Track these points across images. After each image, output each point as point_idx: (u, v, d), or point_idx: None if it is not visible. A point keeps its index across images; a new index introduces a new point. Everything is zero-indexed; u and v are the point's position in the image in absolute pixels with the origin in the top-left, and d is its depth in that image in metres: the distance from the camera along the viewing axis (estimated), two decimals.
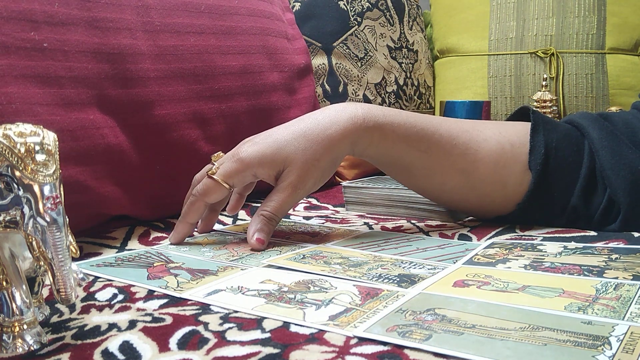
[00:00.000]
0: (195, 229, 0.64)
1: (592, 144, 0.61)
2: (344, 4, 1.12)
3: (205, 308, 0.41)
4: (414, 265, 0.49)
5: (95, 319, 0.40)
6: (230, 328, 0.37)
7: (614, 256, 0.49)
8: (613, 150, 0.59)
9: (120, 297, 0.44)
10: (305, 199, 0.86)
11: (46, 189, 0.33)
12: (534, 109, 0.64)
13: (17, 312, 0.35)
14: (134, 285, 0.46)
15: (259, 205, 0.80)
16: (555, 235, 0.59)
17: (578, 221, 0.61)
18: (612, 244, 0.54)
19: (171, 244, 0.59)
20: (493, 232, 0.62)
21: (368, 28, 1.16)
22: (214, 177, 0.56)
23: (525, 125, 0.63)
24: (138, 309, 0.41)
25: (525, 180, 0.61)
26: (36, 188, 0.33)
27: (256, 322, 0.38)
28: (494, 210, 0.64)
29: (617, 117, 0.63)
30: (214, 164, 0.58)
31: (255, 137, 0.58)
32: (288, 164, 0.56)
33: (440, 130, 0.60)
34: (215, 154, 0.60)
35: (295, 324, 0.37)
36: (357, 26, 1.13)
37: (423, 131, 0.59)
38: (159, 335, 0.36)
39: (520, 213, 0.62)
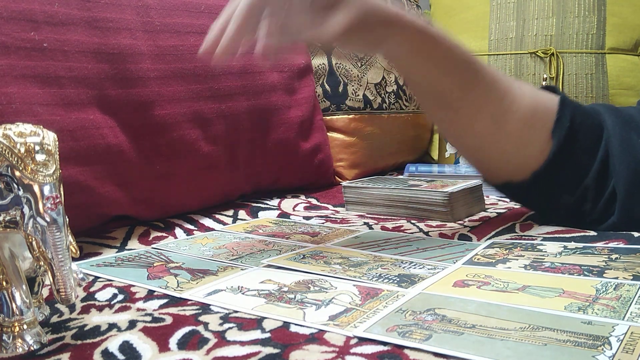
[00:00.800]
0: None
1: (607, 130, 0.61)
2: None
3: (205, 308, 0.41)
4: (414, 265, 0.49)
5: (95, 319, 0.40)
6: (230, 328, 0.37)
7: (614, 256, 0.49)
8: (622, 138, 0.60)
9: (120, 297, 0.44)
10: (305, 198, 0.86)
11: (46, 189, 0.33)
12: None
13: (17, 312, 0.35)
14: (134, 285, 0.46)
15: (259, 205, 0.80)
16: (555, 235, 0.59)
17: (585, 204, 0.61)
18: (612, 244, 0.54)
19: (218, 54, 0.52)
20: (493, 232, 0.62)
21: None
22: None
23: (556, 97, 0.63)
24: (138, 309, 0.41)
25: (547, 150, 0.60)
26: (36, 188, 0.33)
27: (256, 322, 0.38)
28: (508, 172, 0.63)
29: (629, 110, 0.64)
30: None
31: None
32: (345, 4, 0.52)
33: (486, 70, 0.60)
34: None
35: (295, 324, 0.37)
36: None
37: (470, 62, 0.59)
38: (159, 335, 0.36)
39: (533, 182, 0.61)
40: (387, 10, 0.55)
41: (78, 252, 0.37)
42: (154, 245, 0.59)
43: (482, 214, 0.74)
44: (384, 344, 0.34)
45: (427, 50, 0.57)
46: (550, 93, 0.64)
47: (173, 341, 0.35)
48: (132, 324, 0.38)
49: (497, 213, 0.74)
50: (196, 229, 0.68)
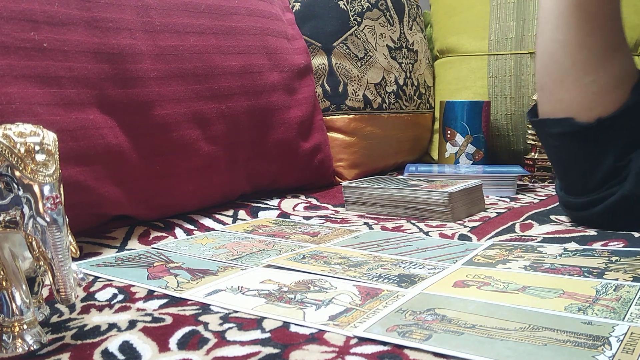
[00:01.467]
0: None
1: None
2: (344, 4, 1.12)
3: (205, 308, 0.41)
4: (414, 265, 0.49)
5: (95, 319, 0.40)
6: (230, 328, 0.37)
7: (614, 258, 0.49)
8: None
9: (120, 297, 0.44)
10: (305, 198, 0.86)
11: (46, 189, 0.33)
12: None
13: (17, 312, 0.35)
14: (133, 285, 0.46)
15: (259, 205, 0.80)
16: (555, 235, 0.59)
17: (618, 177, 0.61)
18: (612, 244, 0.54)
19: None
20: (493, 232, 0.62)
21: (368, 28, 1.16)
22: None
23: None
24: (138, 309, 0.41)
25: (621, 103, 0.61)
26: (36, 188, 0.33)
27: (256, 322, 0.38)
28: (578, 104, 0.63)
29: None
30: None
31: None
32: None
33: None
34: None
35: (295, 324, 0.37)
36: (357, 26, 1.13)
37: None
38: (159, 335, 0.36)
39: (593, 129, 0.62)
40: None
41: (78, 252, 0.37)
42: (153, 245, 0.59)
43: (482, 214, 0.74)
44: (384, 344, 0.34)
45: None
46: None
47: (173, 341, 0.35)
48: (132, 324, 0.38)
49: (497, 213, 0.74)
50: (196, 229, 0.68)
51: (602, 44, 0.63)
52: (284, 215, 0.76)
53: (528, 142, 1.13)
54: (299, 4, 1.09)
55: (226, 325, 0.37)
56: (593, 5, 0.63)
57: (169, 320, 0.39)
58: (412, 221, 0.71)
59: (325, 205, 0.83)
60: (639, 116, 0.61)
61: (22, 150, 0.33)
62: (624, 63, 0.64)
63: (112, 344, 0.35)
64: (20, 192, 0.33)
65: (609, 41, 0.63)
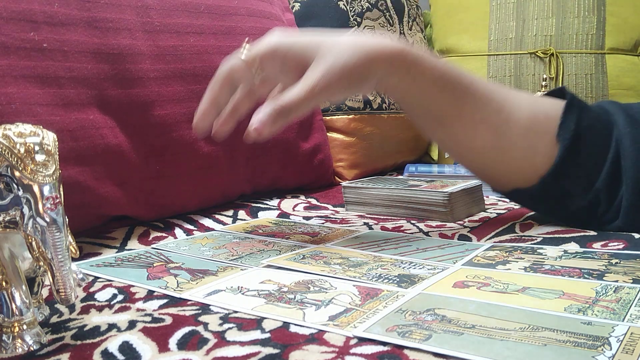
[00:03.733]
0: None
1: (618, 130, 0.60)
2: (344, 4, 1.12)
3: (205, 308, 0.41)
4: (414, 265, 0.49)
5: (95, 319, 0.40)
6: (230, 328, 0.37)
7: (614, 261, 0.49)
8: (634, 137, 0.59)
9: (120, 297, 0.44)
10: (304, 199, 0.86)
11: (46, 189, 0.33)
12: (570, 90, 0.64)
13: (17, 313, 0.35)
14: (133, 286, 0.46)
15: (259, 205, 0.80)
16: (555, 235, 0.59)
17: (597, 207, 0.60)
18: (612, 244, 0.54)
19: (193, 127, 0.57)
20: (493, 233, 0.62)
21: (368, 28, 1.16)
22: (242, 51, 0.55)
23: (561, 103, 0.62)
24: (138, 309, 0.41)
25: (553, 155, 0.59)
26: (36, 188, 0.33)
27: (256, 323, 0.38)
28: (515, 180, 0.62)
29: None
30: (242, 51, 0.56)
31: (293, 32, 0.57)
32: (319, 58, 0.53)
33: (478, 82, 0.59)
34: (246, 39, 0.57)
35: (295, 324, 0.37)
36: (356, 26, 1.13)
37: (460, 78, 0.58)
38: (159, 336, 0.36)
39: (541, 188, 0.61)
40: (362, 44, 0.54)
41: (78, 252, 0.37)
42: (153, 246, 0.59)
43: (482, 214, 0.74)
44: (384, 344, 0.34)
45: (413, 73, 0.56)
46: (555, 98, 0.63)
47: (173, 341, 0.35)
48: (131, 324, 0.38)
49: (497, 213, 0.74)
50: (196, 229, 0.68)
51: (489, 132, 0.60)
52: (283, 215, 0.76)
53: None
54: (299, 4, 1.09)
55: (226, 326, 0.37)
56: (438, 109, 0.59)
57: (168, 320, 0.39)
58: (412, 221, 0.71)
59: (325, 205, 0.83)
60: (580, 156, 0.59)
61: (22, 150, 0.33)
62: (519, 116, 0.60)
63: (112, 344, 0.35)
64: (20, 193, 0.33)
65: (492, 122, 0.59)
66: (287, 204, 0.82)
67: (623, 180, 0.59)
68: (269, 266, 0.50)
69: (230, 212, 0.76)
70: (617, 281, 0.43)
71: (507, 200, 0.84)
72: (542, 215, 0.67)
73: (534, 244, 0.57)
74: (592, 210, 0.61)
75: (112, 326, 0.38)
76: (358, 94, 0.57)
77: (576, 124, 0.59)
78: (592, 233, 0.59)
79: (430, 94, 0.58)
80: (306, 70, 0.53)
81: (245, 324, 0.38)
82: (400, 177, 0.99)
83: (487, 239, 0.60)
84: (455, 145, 0.63)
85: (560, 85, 1.23)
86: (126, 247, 0.60)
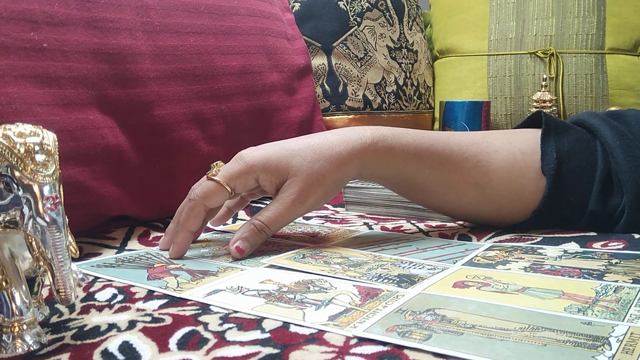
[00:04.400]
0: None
1: (606, 144, 0.60)
2: (344, 4, 1.12)
3: (205, 308, 0.41)
4: (414, 265, 0.49)
5: (94, 319, 0.40)
6: (230, 328, 0.37)
7: (614, 261, 0.49)
8: (625, 151, 0.58)
9: (120, 297, 0.44)
10: None
11: (46, 189, 0.33)
12: (547, 113, 0.63)
13: (17, 313, 0.35)
14: (133, 286, 0.46)
15: (259, 205, 0.80)
16: (555, 235, 0.59)
17: (597, 223, 0.60)
18: (612, 244, 0.54)
19: (171, 257, 0.54)
20: (493, 233, 0.62)
21: (368, 28, 1.16)
22: (215, 178, 0.54)
23: (536, 133, 0.62)
24: (138, 309, 0.41)
25: (541, 187, 0.60)
26: (36, 188, 0.33)
27: (256, 322, 0.38)
28: (512, 219, 0.63)
29: (630, 116, 0.62)
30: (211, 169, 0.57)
31: (260, 145, 0.57)
32: (292, 174, 0.54)
33: (450, 145, 0.59)
34: (214, 163, 0.57)
35: (295, 324, 0.37)
36: (356, 26, 1.13)
37: (433, 147, 0.58)
38: (159, 336, 0.36)
39: (537, 220, 0.61)
40: (328, 152, 0.55)
41: (78, 252, 0.37)
42: (154, 247, 0.59)
43: None
44: (384, 344, 0.34)
45: (388, 160, 0.57)
46: (526, 129, 0.63)
47: (173, 341, 0.35)
48: (131, 324, 0.38)
49: None
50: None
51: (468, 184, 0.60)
52: None
53: None
54: (299, 4, 1.09)
55: (226, 326, 0.37)
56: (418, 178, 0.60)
57: (168, 320, 0.39)
58: (412, 221, 0.71)
59: (325, 205, 0.83)
60: (568, 182, 0.59)
61: (22, 150, 0.33)
62: (498, 163, 0.60)
63: (112, 344, 0.35)
64: (20, 193, 0.33)
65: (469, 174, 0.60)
66: None
67: (624, 192, 0.58)
68: (269, 266, 0.50)
69: None
70: (617, 281, 0.43)
71: None
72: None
73: (534, 243, 0.57)
74: (593, 227, 0.61)
75: (112, 326, 0.38)
76: (332, 197, 0.58)
77: (557, 151, 0.60)
78: (592, 233, 0.59)
79: (408, 170, 0.58)
80: (282, 184, 0.55)
81: (245, 324, 0.38)
82: None
83: (487, 239, 0.60)
84: (442, 207, 0.64)
85: (560, 85, 1.23)
86: (126, 248, 0.60)
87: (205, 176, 0.55)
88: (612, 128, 0.60)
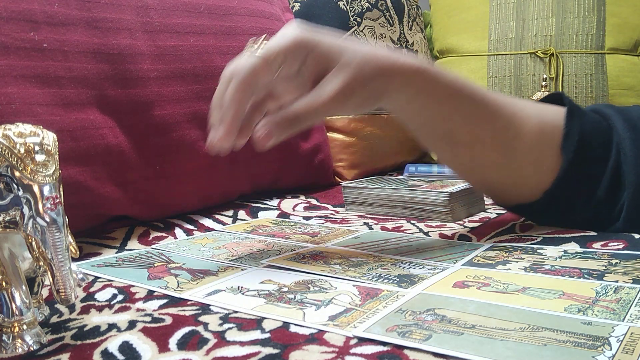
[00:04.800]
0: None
1: (617, 134, 0.59)
2: (344, 5, 1.12)
3: (205, 308, 0.41)
4: (414, 265, 0.49)
5: (94, 319, 0.40)
6: (230, 328, 0.37)
7: (614, 261, 0.49)
8: (634, 142, 0.57)
9: (120, 297, 0.44)
10: (304, 198, 0.86)
11: (46, 190, 0.33)
12: (567, 95, 0.62)
13: (17, 313, 0.35)
14: (133, 286, 0.46)
15: (259, 205, 0.80)
16: (555, 235, 0.59)
17: (600, 214, 0.59)
18: (612, 244, 0.54)
19: (214, 145, 0.48)
20: (493, 233, 0.62)
21: (368, 28, 1.16)
22: (260, 55, 0.47)
23: (561, 110, 0.60)
24: (138, 310, 0.41)
25: (557, 167, 0.58)
26: (36, 188, 0.33)
27: (256, 323, 0.38)
28: (521, 195, 0.61)
29: (636, 112, 0.62)
30: (251, 51, 0.50)
31: (314, 28, 0.51)
32: (341, 65, 0.49)
33: (487, 98, 0.56)
34: (253, 39, 0.51)
35: (295, 324, 0.37)
36: (356, 26, 1.13)
37: (472, 94, 0.55)
38: (159, 336, 0.36)
39: (546, 201, 0.59)
40: (381, 58, 0.51)
41: (78, 252, 0.37)
42: (154, 246, 0.59)
43: (482, 214, 0.74)
44: (384, 344, 0.34)
45: (429, 90, 0.54)
46: (554, 105, 0.61)
47: (173, 341, 0.35)
48: (131, 324, 0.38)
49: (496, 213, 0.74)
50: (196, 229, 0.68)
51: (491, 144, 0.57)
52: (283, 215, 0.76)
53: None
54: (299, 4, 1.09)
55: (226, 326, 0.37)
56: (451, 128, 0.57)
57: (168, 320, 0.39)
58: (412, 221, 0.71)
59: (325, 205, 0.83)
60: (583, 166, 0.58)
61: (22, 150, 0.33)
62: (528, 130, 0.58)
63: (112, 344, 0.35)
64: (20, 193, 0.33)
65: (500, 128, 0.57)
66: (287, 204, 0.82)
67: (625, 184, 0.58)
68: (269, 266, 0.50)
69: (230, 212, 0.76)
70: (617, 281, 0.43)
71: None
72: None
73: (534, 244, 0.57)
74: (595, 220, 0.60)
75: (112, 326, 0.38)
76: (365, 110, 0.54)
77: (579, 134, 0.58)
78: (592, 233, 0.59)
79: (443, 110, 0.55)
80: (324, 75, 0.50)
81: (245, 324, 0.38)
82: (400, 177, 0.99)
83: (487, 239, 0.60)
84: (461, 163, 0.61)
85: (560, 85, 1.23)
86: (126, 247, 0.60)
87: (250, 54, 0.48)
88: (625, 119, 0.60)
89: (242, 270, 0.49)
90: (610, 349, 0.32)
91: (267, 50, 0.48)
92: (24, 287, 0.35)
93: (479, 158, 0.59)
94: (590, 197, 0.59)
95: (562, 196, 0.59)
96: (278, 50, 0.48)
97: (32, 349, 0.35)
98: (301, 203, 0.83)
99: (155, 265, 0.52)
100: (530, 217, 0.65)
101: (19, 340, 0.35)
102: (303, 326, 0.37)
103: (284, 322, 0.38)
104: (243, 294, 0.43)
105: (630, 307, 0.38)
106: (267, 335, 0.36)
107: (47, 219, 0.33)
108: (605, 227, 0.60)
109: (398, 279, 0.45)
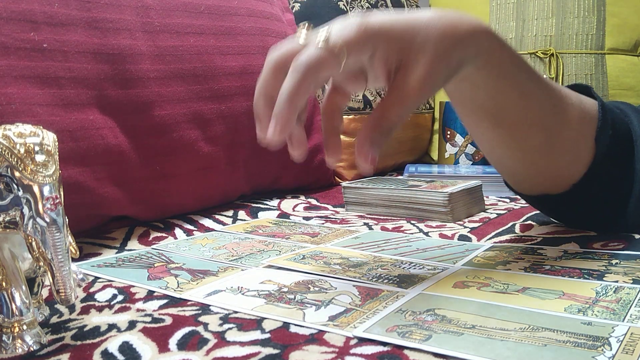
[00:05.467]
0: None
1: (634, 133, 0.57)
2: (344, 5, 1.12)
3: (205, 308, 0.41)
4: (414, 265, 0.49)
5: (94, 319, 0.40)
6: (230, 328, 0.37)
7: (614, 261, 0.49)
8: None
9: (120, 297, 0.44)
10: (304, 199, 0.86)
11: (46, 190, 0.33)
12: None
13: (17, 313, 0.35)
14: (133, 286, 0.46)
15: (259, 205, 0.80)
16: (555, 235, 0.59)
17: (622, 217, 0.58)
18: (612, 244, 0.54)
19: (272, 140, 0.42)
20: (493, 233, 0.62)
21: None
22: (325, 47, 0.42)
23: (594, 102, 0.58)
24: (138, 310, 0.41)
25: (588, 159, 0.56)
26: (36, 189, 0.33)
27: (256, 323, 0.38)
28: (551, 184, 0.59)
29: None
30: (301, 37, 0.45)
31: (368, 13, 0.45)
32: (417, 51, 0.44)
33: (541, 77, 0.52)
34: (302, 23, 0.46)
35: (295, 325, 0.37)
36: None
37: (530, 70, 0.51)
38: (159, 336, 0.36)
39: (573, 194, 0.57)
40: (457, 25, 0.46)
41: (78, 252, 0.37)
42: (154, 246, 0.59)
43: (482, 214, 0.74)
44: (384, 344, 0.34)
45: (495, 59, 0.49)
46: (582, 95, 0.59)
47: (173, 341, 0.35)
48: (131, 325, 0.38)
49: (496, 214, 0.74)
50: (196, 229, 0.68)
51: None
52: (283, 215, 0.76)
53: None
54: (299, 4, 1.09)
55: (226, 326, 0.37)
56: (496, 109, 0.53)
57: (168, 320, 0.39)
58: (412, 221, 0.71)
59: (325, 205, 0.83)
60: (612, 161, 0.57)
61: (22, 150, 0.33)
62: (571, 117, 0.55)
63: (112, 345, 0.35)
64: (20, 193, 0.33)
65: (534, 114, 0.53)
66: (287, 204, 0.82)
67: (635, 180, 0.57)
68: (269, 266, 0.50)
69: (230, 212, 0.76)
70: (617, 281, 0.43)
71: (507, 200, 0.84)
72: (567, 226, 0.64)
73: (534, 244, 0.57)
74: (617, 220, 0.58)
75: (112, 326, 0.38)
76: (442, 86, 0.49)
77: (612, 128, 0.56)
78: (592, 233, 0.59)
79: (500, 85, 0.50)
80: (400, 63, 0.45)
81: (245, 324, 0.38)
82: (400, 177, 0.99)
83: (487, 239, 0.60)
84: (499, 146, 0.57)
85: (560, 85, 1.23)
86: (126, 248, 0.60)
87: (313, 45, 0.43)
88: (639, 118, 0.59)
89: (242, 270, 0.49)
90: (611, 349, 0.32)
91: (333, 42, 0.42)
92: (24, 287, 0.35)
93: (523, 141, 0.55)
94: (615, 194, 0.58)
95: (590, 190, 0.57)
96: (345, 41, 0.43)
97: (32, 349, 0.35)
98: (301, 203, 0.83)
99: (155, 265, 0.52)
100: (551, 212, 0.63)
101: (19, 341, 0.35)
102: (303, 326, 0.37)
103: (284, 323, 0.38)
104: (243, 294, 0.43)
105: (631, 307, 0.38)
106: (267, 335, 0.36)
107: (47, 219, 0.33)
108: (622, 229, 0.59)
109: (398, 280, 0.45)
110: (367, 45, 0.43)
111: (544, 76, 0.55)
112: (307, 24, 0.46)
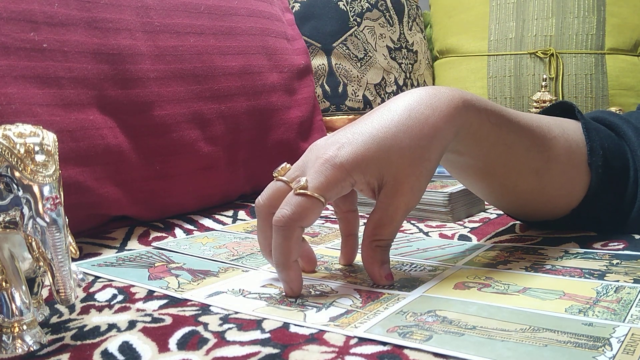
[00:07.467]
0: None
1: (630, 142, 0.58)
2: (344, 5, 1.12)
3: (205, 309, 0.41)
4: (415, 267, 0.49)
5: (94, 319, 0.40)
6: (230, 328, 0.37)
7: (615, 261, 0.49)
8: None
9: (120, 297, 0.44)
10: None
11: (46, 190, 0.33)
12: (575, 105, 0.60)
13: (17, 313, 0.35)
14: (133, 286, 0.46)
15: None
16: (555, 235, 0.59)
17: (624, 228, 0.58)
18: (612, 244, 0.54)
19: (290, 295, 0.43)
20: (493, 233, 0.62)
21: (368, 28, 1.16)
22: (306, 192, 0.43)
23: (577, 124, 0.58)
24: (138, 310, 0.41)
25: (585, 183, 0.56)
26: (36, 189, 0.33)
27: (256, 323, 0.38)
28: (549, 213, 0.59)
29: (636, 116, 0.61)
30: (282, 180, 0.47)
31: (338, 137, 0.45)
32: (395, 171, 0.44)
33: (520, 123, 0.52)
34: (281, 167, 0.48)
35: (295, 325, 0.37)
36: (356, 27, 1.13)
37: (509, 122, 0.51)
38: (159, 336, 0.36)
39: (573, 218, 0.58)
40: (426, 128, 0.45)
41: (78, 252, 0.37)
42: (154, 244, 0.59)
43: (482, 214, 0.74)
44: (384, 344, 0.34)
45: (475, 131, 0.49)
46: (566, 118, 0.59)
47: (173, 341, 0.35)
48: (131, 325, 0.38)
49: (497, 214, 0.74)
50: (196, 229, 0.68)
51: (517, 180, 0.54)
52: None
53: None
54: (299, 4, 1.09)
55: (226, 326, 0.37)
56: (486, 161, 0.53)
57: (168, 320, 0.39)
58: (412, 221, 0.71)
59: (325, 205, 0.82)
60: (608, 180, 0.56)
61: (22, 150, 0.33)
62: (558, 152, 0.54)
63: (112, 345, 0.35)
64: (20, 193, 0.33)
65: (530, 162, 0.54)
66: None
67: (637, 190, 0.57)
68: (270, 270, 0.50)
69: (230, 212, 0.76)
70: (617, 281, 0.43)
71: None
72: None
73: (535, 244, 0.57)
74: (619, 226, 0.59)
75: (112, 326, 0.38)
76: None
77: (602, 148, 0.56)
78: (592, 233, 0.59)
79: (485, 145, 0.51)
80: (384, 180, 0.45)
81: (245, 324, 0.38)
82: None
83: (488, 239, 0.60)
84: (491, 194, 0.58)
85: (560, 85, 1.23)
86: (126, 247, 0.60)
87: (292, 191, 0.44)
88: (634, 128, 0.59)
89: (243, 271, 0.49)
90: (611, 350, 0.32)
91: (312, 188, 0.43)
92: (24, 287, 0.35)
93: (515, 186, 0.56)
94: (616, 209, 0.58)
95: (590, 212, 0.58)
96: (323, 185, 0.43)
97: (32, 349, 0.35)
98: None
99: (156, 265, 0.51)
100: (552, 228, 0.64)
101: (19, 341, 0.35)
102: (303, 326, 0.37)
103: (284, 322, 0.38)
104: (244, 296, 0.43)
105: (631, 307, 0.38)
106: (267, 335, 0.36)
107: (47, 220, 0.33)
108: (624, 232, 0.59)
109: (399, 284, 0.45)
110: (345, 181, 0.44)
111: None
112: (285, 166, 0.48)
